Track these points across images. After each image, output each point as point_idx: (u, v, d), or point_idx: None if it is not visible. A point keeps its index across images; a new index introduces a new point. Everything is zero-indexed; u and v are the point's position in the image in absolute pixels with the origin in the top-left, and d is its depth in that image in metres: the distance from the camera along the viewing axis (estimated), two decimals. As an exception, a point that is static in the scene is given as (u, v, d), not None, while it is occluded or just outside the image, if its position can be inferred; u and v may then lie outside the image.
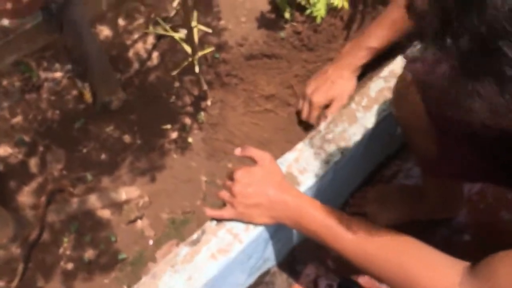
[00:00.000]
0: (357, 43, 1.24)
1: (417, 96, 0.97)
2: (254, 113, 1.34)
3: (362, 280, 1.33)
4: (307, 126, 1.30)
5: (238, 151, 1.02)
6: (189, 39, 1.00)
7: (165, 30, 1.06)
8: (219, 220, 0.99)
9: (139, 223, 1.13)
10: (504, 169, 0.98)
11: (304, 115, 1.27)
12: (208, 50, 1.13)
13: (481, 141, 0.94)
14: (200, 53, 1.08)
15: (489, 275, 0.70)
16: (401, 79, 1.02)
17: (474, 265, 0.74)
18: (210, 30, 1.15)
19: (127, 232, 1.12)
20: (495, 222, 1.41)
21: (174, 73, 1.16)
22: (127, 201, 1.14)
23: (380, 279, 0.86)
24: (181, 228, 1.13)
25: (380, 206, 1.37)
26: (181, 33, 1.01)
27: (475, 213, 1.41)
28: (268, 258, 1.23)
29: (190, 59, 1.08)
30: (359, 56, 1.22)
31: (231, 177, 0.97)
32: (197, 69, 1.06)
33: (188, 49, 1.05)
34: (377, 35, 1.19)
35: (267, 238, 1.10)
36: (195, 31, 0.97)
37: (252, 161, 1.00)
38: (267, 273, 1.31)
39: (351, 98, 1.18)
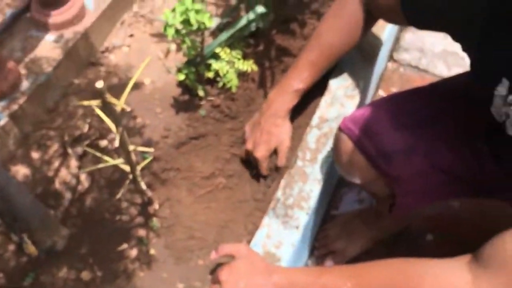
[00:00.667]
0: (281, 88, 1.22)
1: (354, 154, 1.02)
2: (202, 197, 1.30)
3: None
4: (261, 177, 1.28)
5: (213, 255, 1.01)
6: (127, 160, 0.96)
7: (106, 161, 1.00)
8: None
9: None
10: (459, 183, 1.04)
11: (257, 169, 1.25)
12: (147, 161, 1.09)
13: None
14: (139, 166, 1.04)
15: (500, 261, 0.71)
16: (336, 145, 1.06)
17: (476, 257, 0.75)
18: (152, 149, 1.12)
19: None
20: (448, 213, 1.47)
21: (119, 195, 1.10)
22: None
23: None
24: None
25: (345, 240, 1.40)
26: (120, 160, 0.96)
27: (426, 211, 1.47)
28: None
29: (129, 176, 1.04)
30: (287, 100, 1.21)
31: (216, 280, 0.93)
32: (144, 186, 1.01)
33: (126, 168, 1.00)
34: (300, 77, 1.19)
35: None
36: (131, 155, 0.93)
37: (230, 258, 0.97)
38: None
39: (291, 139, 1.23)
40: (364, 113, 1.02)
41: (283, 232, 1.08)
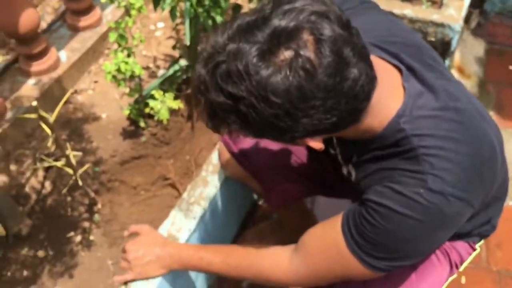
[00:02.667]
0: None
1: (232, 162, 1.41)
2: (140, 203, 1.71)
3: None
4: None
5: (126, 233, 1.34)
6: (68, 163, 1.38)
7: (49, 162, 1.42)
8: (126, 283, 1.31)
9: (67, 313, 1.43)
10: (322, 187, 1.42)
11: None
12: (86, 167, 1.50)
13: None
14: (80, 171, 1.45)
15: (302, 246, 1.07)
16: (220, 154, 1.46)
17: (297, 244, 1.11)
18: (80, 153, 1.53)
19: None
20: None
21: (64, 191, 1.52)
22: (53, 300, 1.44)
23: (246, 279, 1.21)
24: (102, 304, 1.44)
25: (259, 243, 1.76)
26: (62, 161, 1.37)
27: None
28: (180, 308, 1.56)
29: (73, 177, 1.45)
30: None
31: (124, 250, 1.30)
32: (80, 183, 1.42)
33: (70, 170, 1.42)
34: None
35: (168, 286, 1.42)
36: (71, 156, 1.35)
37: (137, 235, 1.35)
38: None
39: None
40: None
41: (184, 221, 1.47)
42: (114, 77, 1.54)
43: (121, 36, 1.50)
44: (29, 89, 1.81)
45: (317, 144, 0.88)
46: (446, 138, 0.88)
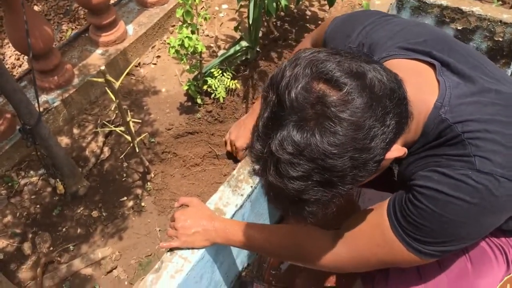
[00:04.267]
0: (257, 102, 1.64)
1: None
2: (190, 176, 1.77)
3: (298, 285, 1.72)
4: (236, 160, 1.72)
5: (176, 204, 1.40)
6: (128, 130, 1.44)
7: (110, 127, 1.49)
8: (171, 250, 1.37)
9: (115, 272, 1.50)
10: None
11: (234, 154, 1.69)
12: (143, 136, 1.57)
13: None
14: (138, 139, 1.52)
15: (346, 229, 1.08)
16: None
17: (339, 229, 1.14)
18: (140, 121, 1.60)
19: (107, 280, 1.48)
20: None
21: (121, 156, 1.59)
22: (103, 258, 1.52)
23: (287, 259, 1.24)
24: (147, 267, 1.50)
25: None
26: (122, 128, 1.44)
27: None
28: (218, 281, 1.61)
29: (131, 144, 1.52)
30: None
31: (172, 219, 1.36)
32: (137, 149, 1.49)
33: (128, 138, 1.49)
34: None
35: (211, 260, 1.48)
36: (130, 124, 1.41)
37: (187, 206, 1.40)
38: (223, 296, 1.68)
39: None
40: None
41: (231, 197, 1.51)
42: (177, 51, 1.59)
43: (187, 12, 1.55)
44: (96, 58, 1.90)
45: (398, 150, 0.87)
46: (490, 121, 0.87)
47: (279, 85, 0.80)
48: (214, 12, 2.24)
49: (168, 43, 1.60)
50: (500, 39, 1.86)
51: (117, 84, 1.23)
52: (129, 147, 1.54)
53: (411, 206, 0.91)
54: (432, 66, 0.95)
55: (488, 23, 1.85)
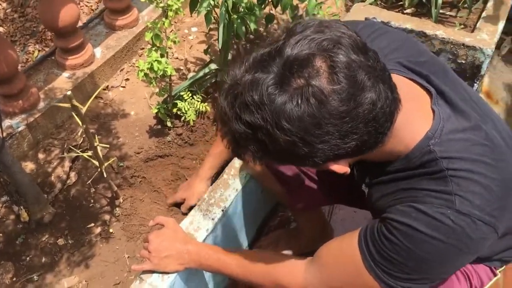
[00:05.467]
0: (202, 166, 1.63)
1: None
2: (160, 201, 1.74)
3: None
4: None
5: (151, 223, 1.36)
6: (95, 155, 1.41)
7: (76, 152, 1.46)
8: (143, 273, 1.32)
9: (82, 302, 1.45)
10: (340, 195, 1.42)
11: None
12: (111, 160, 1.54)
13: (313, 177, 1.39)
14: (106, 164, 1.49)
15: (318, 259, 1.07)
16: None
17: (313, 256, 1.11)
18: (108, 146, 1.57)
19: (73, 311, 1.43)
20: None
21: (88, 182, 1.55)
22: (69, 288, 1.47)
23: (258, 286, 1.22)
24: (114, 295, 1.46)
25: (274, 250, 1.77)
26: (89, 153, 1.41)
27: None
28: (191, 308, 1.57)
29: (99, 169, 1.48)
30: (205, 168, 1.63)
31: (146, 240, 1.32)
32: (105, 175, 1.45)
33: (96, 163, 1.45)
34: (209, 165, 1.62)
35: (182, 285, 1.44)
36: (98, 149, 1.38)
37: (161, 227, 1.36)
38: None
39: (198, 199, 1.56)
40: None
41: (202, 221, 1.49)
42: (146, 75, 1.58)
43: (156, 36, 1.54)
44: (63, 81, 1.87)
45: (341, 168, 0.88)
46: (476, 162, 0.87)
47: (293, 35, 0.79)
48: (183, 35, 2.24)
49: (137, 66, 1.59)
50: (463, 61, 1.92)
51: (83, 109, 1.21)
52: (96, 172, 1.51)
53: (385, 240, 0.90)
54: (428, 92, 0.94)
55: (451, 46, 1.91)
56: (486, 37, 1.97)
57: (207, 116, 1.88)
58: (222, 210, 1.52)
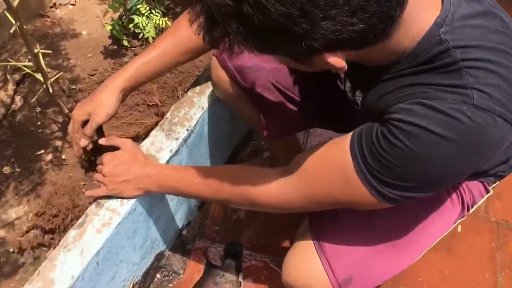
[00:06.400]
0: (120, 71, 1.22)
1: (225, 79, 1.25)
2: (119, 127, 1.57)
3: (244, 239, 1.59)
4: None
5: (102, 141, 1.18)
6: (37, 67, 1.22)
7: (15, 63, 1.27)
8: (98, 199, 1.18)
9: (32, 232, 1.30)
10: (321, 115, 1.28)
11: (70, 134, 1.22)
12: (58, 75, 1.35)
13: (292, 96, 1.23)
14: (52, 79, 1.30)
15: (297, 165, 0.92)
16: (212, 69, 1.30)
17: (288, 165, 0.97)
18: (50, 51, 1.36)
19: (23, 242, 1.28)
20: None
21: (32, 101, 1.37)
22: (17, 219, 1.31)
23: (228, 203, 1.09)
24: (70, 225, 1.31)
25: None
26: (29, 63, 1.21)
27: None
28: (155, 238, 1.44)
29: (44, 86, 1.30)
30: (122, 77, 1.19)
31: (100, 162, 1.17)
32: (51, 90, 1.27)
33: (40, 77, 1.27)
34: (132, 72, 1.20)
35: (144, 213, 1.30)
36: (40, 57, 1.19)
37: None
38: (162, 256, 1.51)
39: (108, 116, 1.16)
40: None
41: (165, 142, 1.34)
42: (95, -21, 1.38)
43: None
44: (1, -5, 1.64)
45: (338, 61, 0.73)
46: (494, 50, 0.73)
47: None
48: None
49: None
50: None
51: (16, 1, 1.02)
52: (42, 90, 1.32)
53: (384, 142, 0.76)
54: None
55: None
56: None
57: (168, 33, 1.69)
58: (187, 130, 1.37)
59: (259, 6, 0.63)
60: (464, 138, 0.72)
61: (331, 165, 0.87)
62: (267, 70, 1.20)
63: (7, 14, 1.07)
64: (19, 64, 1.19)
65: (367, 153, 0.79)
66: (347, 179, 0.83)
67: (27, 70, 1.23)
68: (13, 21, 1.06)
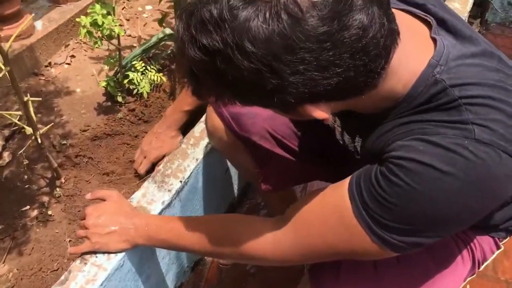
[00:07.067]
0: (174, 107, 1.48)
1: (221, 127, 1.23)
2: (108, 184, 1.52)
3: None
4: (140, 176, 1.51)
5: (88, 196, 1.14)
6: (27, 116, 1.19)
7: (3, 113, 1.23)
8: (83, 255, 1.10)
9: (12, 293, 1.20)
10: (320, 166, 1.23)
11: (137, 166, 1.50)
12: (48, 127, 1.30)
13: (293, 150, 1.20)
14: (42, 131, 1.27)
15: (291, 214, 0.87)
16: (208, 118, 1.28)
17: (282, 215, 0.91)
18: (40, 99, 1.33)
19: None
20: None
21: (20, 152, 1.32)
22: (-3, 278, 1.22)
23: (220, 256, 1.01)
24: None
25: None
26: (19, 112, 1.18)
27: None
28: (146, 300, 1.34)
29: (33, 137, 1.26)
30: (178, 118, 1.46)
31: (83, 216, 1.10)
32: (39, 140, 1.23)
33: (29, 129, 1.23)
34: (187, 101, 1.44)
35: (133, 270, 1.21)
36: (30, 105, 1.16)
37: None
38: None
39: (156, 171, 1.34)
40: None
41: (157, 194, 1.28)
42: (89, 32, 1.38)
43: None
44: (-3, 54, 1.65)
45: (320, 113, 0.70)
46: (494, 87, 0.70)
47: None
48: (137, 13, 2.06)
49: (79, 22, 1.38)
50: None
51: (7, 45, 1.00)
52: (30, 142, 1.29)
53: (383, 181, 0.71)
54: (426, 22, 0.78)
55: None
56: (459, 6, 1.89)
57: (163, 89, 1.68)
58: (181, 181, 1.32)
59: (229, 62, 0.63)
60: (467, 174, 0.67)
61: (328, 211, 0.81)
62: (263, 118, 1.18)
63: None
64: (5, 113, 1.16)
65: (366, 194, 0.74)
66: (346, 224, 0.77)
67: (15, 121, 1.20)
68: (3, 67, 1.04)
